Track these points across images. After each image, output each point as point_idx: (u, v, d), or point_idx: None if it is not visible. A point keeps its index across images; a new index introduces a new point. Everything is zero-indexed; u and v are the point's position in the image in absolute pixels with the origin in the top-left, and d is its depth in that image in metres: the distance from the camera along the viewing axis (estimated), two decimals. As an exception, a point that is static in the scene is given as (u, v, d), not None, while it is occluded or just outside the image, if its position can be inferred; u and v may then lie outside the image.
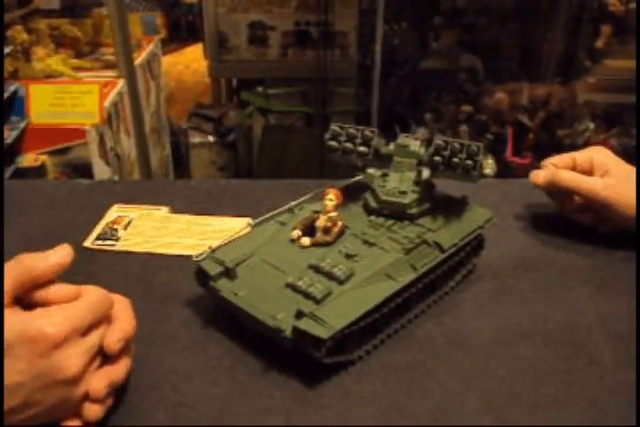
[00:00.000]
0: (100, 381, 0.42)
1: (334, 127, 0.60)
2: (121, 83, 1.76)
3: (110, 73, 1.81)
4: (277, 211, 0.59)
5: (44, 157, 1.56)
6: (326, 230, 0.55)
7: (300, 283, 0.50)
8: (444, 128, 2.24)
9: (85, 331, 0.42)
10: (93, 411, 0.43)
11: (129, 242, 0.68)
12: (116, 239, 0.68)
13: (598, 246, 0.67)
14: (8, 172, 1.47)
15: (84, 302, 0.43)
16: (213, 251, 0.53)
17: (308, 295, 0.49)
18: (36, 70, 1.72)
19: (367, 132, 0.59)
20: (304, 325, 0.46)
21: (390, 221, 0.57)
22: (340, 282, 0.50)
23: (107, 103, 1.63)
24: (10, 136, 1.50)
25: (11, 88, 1.57)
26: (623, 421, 0.47)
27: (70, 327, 0.40)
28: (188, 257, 0.55)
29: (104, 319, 0.44)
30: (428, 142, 0.60)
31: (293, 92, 2.44)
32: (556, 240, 0.69)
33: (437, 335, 0.55)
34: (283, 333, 0.47)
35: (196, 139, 2.46)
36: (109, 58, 1.90)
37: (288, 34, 2.41)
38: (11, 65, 1.69)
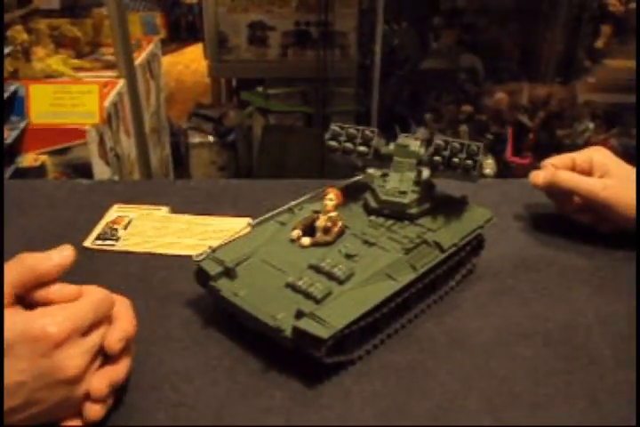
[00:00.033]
0: (101, 381, 0.42)
1: (334, 127, 0.60)
2: (121, 83, 1.76)
3: (110, 73, 1.81)
4: (277, 211, 0.59)
5: (43, 157, 1.56)
6: (326, 230, 0.55)
7: (300, 283, 0.50)
8: (444, 128, 2.24)
9: (86, 331, 0.42)
10: (94, 411, 0.43)
11: (129, 242, 0.68)
12: (116, 239, 0.68)
13: (598, 246, 0.67)
14: (8, 172, 1.47)
15: (85, 301, 0.43)
16: (213, 251, 0.54)
17: (308, 295, 0.49)
18: (36, 70, 1.72)
19: (367, 132, 0.59)
20: (304, 324, 0.46)
21: (390, 221, 0.57)
22: (340, 282, 0.50)
23: (107, 103, 1.63)
24: (10, 136, 1.50)
25: (11, 88, 1.57)
26: (623, 421, 0.47)
27: (72, 327, 0.40)
28: (188, 257, 0.55)
29: (105, 319, 0.44)
30: (428, 142, 0.60)
31: (293, 92, 2.45)
32: (556, 240, 0.69)
33: (437, 335, 0.55)
34: (283, 332, 0.47)
35: (195, 139, 2.46)
36: (109, 58, 1.90)
37: (288, 34, 2.41)
38: (11, 65, 1.70)
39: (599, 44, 2.37)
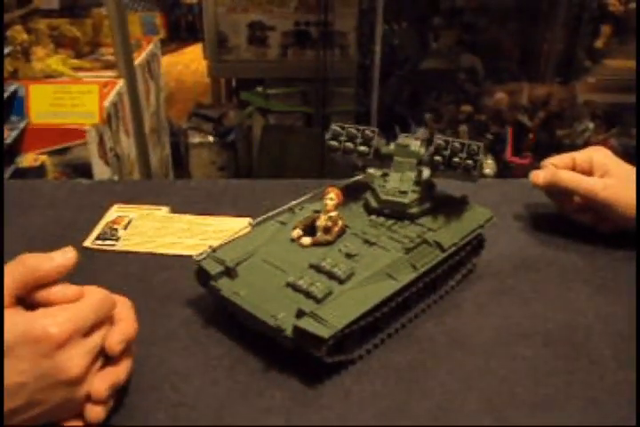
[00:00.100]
0: (102, 382, 0.42)
1: (335, 127, 0.60)
2: (120, 83, 1.76)
3: (110, 73, 1.81)
4: (277, 211, 0.59)
5: (43, 157, 1.56)
6: (327, 230, 0.55)
7: (300, 282, 0.50)
8: (444, 128, 2.24)
9: (87, 332, 0.42)
10: (95, 412, 0.43)
11: (129, 242, 0.68)
12: (116, 239, 0.68)
13: (598, 246, 0.67)
14: (8, 172, 1.47)
15: (86, 302, 0.43)
16: (214, 250, 0.53)
17: (308, 295, 0.49)
18: (36, 70, 1.72)
19: (368, 132, 0.59)
20: (305, 324, 0.46)
21: (391, 221, 0.57)
22: (341, 281, 0.50)
23: (106, 103, 1.63)
24: (10, 136, 1.50)
25: (11, 88, 1.57)
26: (623, 421, 0.47)
27: (73, 328, 0.40)
28: (189, 257, 0.55)
29: (106, 320, 0.44)
30: (428, 142, 0.60)
31: (293, 92, 2.45)
32: (556, 240, 0.69)
33: (437, 335, 0.55)
34: (283, 332, 0.47)
35: (195, 139, 2.46)
36: (109, 58, 1.90)
37: (288, 34, 2.41)
38: (10, 65, 1.70)
39: (599, 44, 2.37)
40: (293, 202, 0.60)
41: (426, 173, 0.57)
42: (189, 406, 0.47)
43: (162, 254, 0.66)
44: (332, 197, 0.55)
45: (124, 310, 0.46)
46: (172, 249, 0.67)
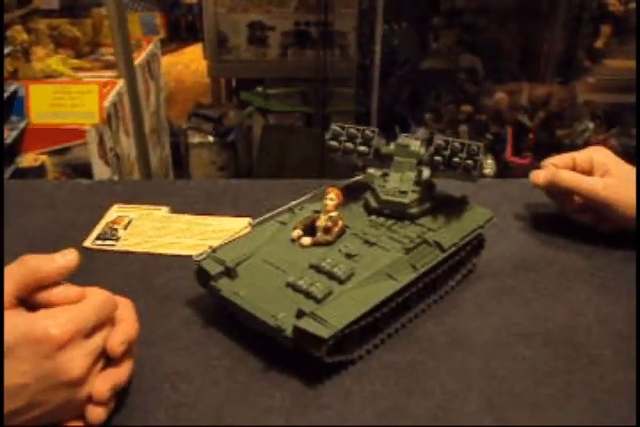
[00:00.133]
0: (104, 384, 0.42)
1: (335, 127, 0.60)
2: (120, 83, 1.76)
3: (110, 73, 1.81)
4: (277, 211, 0.59)
5: (43, 157, 1.56)
6: (327, 230, 0.55)
7: (300, 282, 0.50)
8: (444, 128, 2.24)
9: (89, 333, 0.42)
10: (97, 414, 0.43)
11: (129, 242, 0.68)
12: (116, 239, 0.68)
13: (598, 246, 0.67)
14: (8, 172, 1.47)
15: (88, 303, 0.43)
16: (214, 250, 0.53)
17: (308, 295, 0.49)
18: (36, 70, 1.72)
19: (368, 132, 0.59)
20: (305, 324, 0.46)
21: (391, 221, 0.57)
22: (341, 281, 0.50)
23: (106, 103, 1.63)
24: (10, 136, 1.50)
25: (11, 88, 1.57)
26: (623, 421, 0.47)
27: (74, 329, 0.40)
28: (188, 257, 0.55)
29: (107, 321, 0.44)
30: (428, 142, 0.60)
31: (293, 92, 2.45)
32: (556, 240, 0.69)
33: (437, 335, 0.55)
34: (283, 332, 0.47)
35: (195, 139, 2.46)
36: (109, 58, 1.90)
37: (288, 34, 2.41)
38: (10, 65, 1.70)
39: (599, 44, 2.37)
40: (293, 202, 0.60)
41: (426, 173, 0.57)
42: (189, 406, 0.47)
43: (162, 254, 0.66)
44: (332, 197, 0.55)
45: (126, 311, 0.46)
46: (171, 249, 0.67)
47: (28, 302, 0.43)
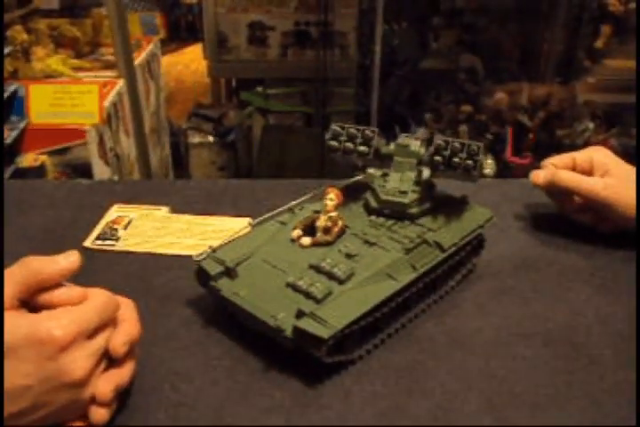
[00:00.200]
0: (107, 385, 0.42)
1: (335, 127, 0.60)
2: (120, 83, 1.76)
3: (110, 73, 1.81)
4: (277, 211, 0.59)
5: (43, 157, 1.56)
6: (326, 230, 0.55)
7: (300, 283, 0.50)
8: (444, 128, 2.24)
9: (91, 334, 0.42)
10: (100, 414, 0.43)
11: (129, 242, 0.68)
12: (116, 239, 0.68)
13: (598, 246, 0.67)
14: (8, 172, 1.47)
15: (90, 304, 0.43)
16: (214, 251, 0.53)
17: (308, 295, 0.49)
18: (36, 70, 1.72)
19: (368, 132, 0.59)
20: (304, 324, 0.46)
21: (391, 221, 0.57)
22: (341, 282, 0.50)
23: (106, 103, 1.63)
24: (10, 136, 1.50)
25: (11, 88, 1.57)
26: (623, 421, 0.47)
27: (77, 330, 0.40)
28: (188, 257, 0.55)
29: (110, 322, 0.44)
30: (428, 142, 0.60)
31: (293, 92, 2.45)
32: (556, 240, 0.69)
33: (437, 335, 0.55)
34: (283, 332, 0.47)
35: (195, 139, 2.46)
36: (109, 58, 1.90)
37: (288, 34, 2.41)
38: (10, 65, 1.70)
39: (599, 44, 2.37)
40: (293, 202, 0.60)
41: (426, 173, 0.57)
42: (189, 406, 0.47)
43: (162, 254, 0.66)
44: (332, 197, 0.55)
45: (128, 312, 0.46)
46: (171, 249, 0.67)
47: (30, 303, 0.43)
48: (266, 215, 0.58)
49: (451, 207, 0.60)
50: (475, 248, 0.61)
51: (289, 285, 0.50)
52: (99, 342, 0.42)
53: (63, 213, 0.74)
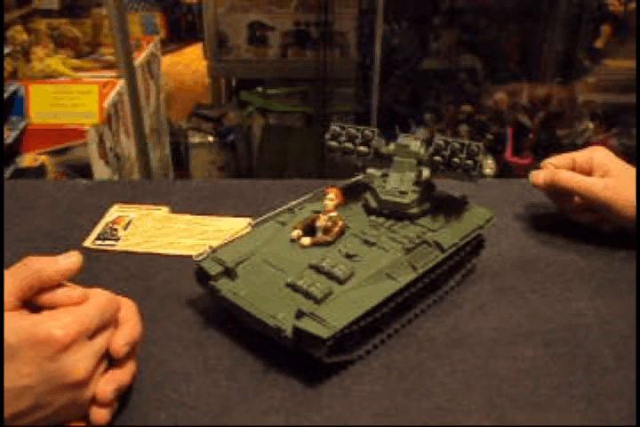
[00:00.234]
0: (107, 385, 0.42)
1: (334, 127, 0.60)
2: (120, 83, 1.76)
3: (110, 73, 1.81)
4: (277, 211, 0.59)
5: (43, 157, 1.56)
6: (326, 230, 0.55)
7: (300, 283, 0.50)
8: (444, 128, 2.24)
9: (92, 334, 0.42)
10: (101, 415, 0.43)
11: (129, 242, 0.68)
12: (116, 239, 0.68)
13: (598, 246, 0.67)
14: (8, 172, 1.47)
15: (91, 305, 0.43)
16: (214, 251, 0.53)
17: (308, 295, 0.49)
18: (36, 70, 1.71)
19: (367, 132, 0.59)
20: (304, 324, 0.46)
21: (390, 221, 0.57)
22: (341, 282, 0.50)
23: (106, 103, 1.63)
24: (9, 136, 1.50)
25: (10, 88, 1.57)
26: (623, 421, 0.47)
27: (78, 330, 0.40)
28: (188, 257, 0.55)
29: (111, 323, 0.44)
30: (428, 142, 0.60)
31: (293, 92, 2.45)
32: (556, 240, 0.69)
33: (437, 335, 0.55)
34: (283, 332, 0.47)
35: (195, 139, 2.46)
36: (109, 58, 1.90)
37: (288, 34, 2.41)
38: (10, 65, 1.69)
39: (599, 44, 2.37)
40: (293, 202, 0.60)
41: (426, 173, 0.57)
42: (189, 407, 0.47)
43: (162, 254, 0.66)
44: (332, 197, 0.55)
45: (129, 313, 0.46)
46: (171, 249, 0.67)
47: (31, 303, 0.43)
48: (266, 215, 0.58)
49: (451, 207, 0.60)
50: (475, 248, 0.61)
51: (289, 285, 0.50)
52: (99, 342, 0.42)
53: (63, 213, 0.74)
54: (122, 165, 1.80)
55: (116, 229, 0.70)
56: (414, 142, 0.59)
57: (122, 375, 0.44)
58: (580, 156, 0.69)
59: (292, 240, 0.55)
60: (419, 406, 0.47)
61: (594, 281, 0.62)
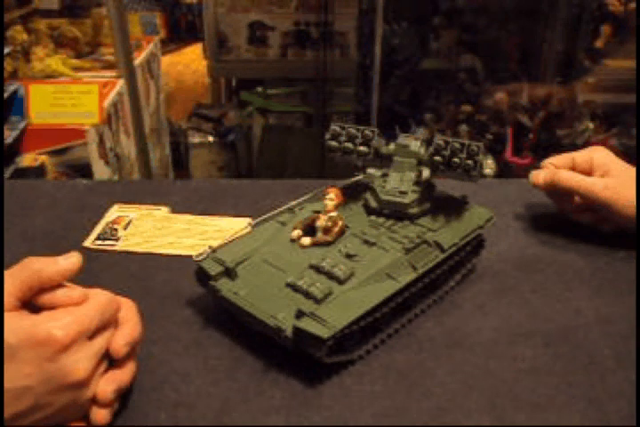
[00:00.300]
0: (108, 385, 0.42)
1: (334, 127, 0.60)
2: (120, 83, 1.76)
3: (110, 73, 1.81)
4: (277, 211, 0.59)
5: (43, 157, 1.56)
6: (326, 230, 0.55)
7: (300, 283, 0.50)
8: (444, 128, 2.24)
9: (92, 334, 0.42)
10: (101, 415, 0.43)
11: (129, 242, 0.68)
12: (116, 239, 0.68)
13: (598, 246, 0.67)
14: (8, 172, 1.47)
15: (91, 305, 0.43)
16: (214, 251, 0.53)
17: (308, 295, 0.49)
18: (36, 70, 1.72)
19: (367, 132, 0.59)
20: (304, 324, 0.46)
21: (390, 221, 0.57)
22: (341, 282, 0.50)
23: (106, 103, 1.63)
24: (9, 136, 1.50)
25: (10, 88, 1.57)
26: (623, 421, 0.47)
27: (78, 330, 0.40)
28: (188, 257, 0.55)
29: (111, 323, 0.44)
30: (428, 142, 0.60)
31: (293, 92, 2.45)
32: (556, 240, 0.69)
33: (437, 335, 0.55)
34: (283, 332, 0.47)
35: (195, 139, 2.46)
36: (109, 58, 1.90)
37: (288, 34, 2.41)
38: (10, 65, 1.69)
39: (599, 44, 2.37)
40: (293, 202, 0.60)
41: (426, 173, 0.57)
42: (189, 407, 0.47)
43: (162, 254, 0.66)
44: (332, 197, 0.55)
45: (129, 313, 0.46)
46: (171, 249, 0.67)
47: (31, 304, 0.43)
48: (266, 215, 0.58)
49: (451, 207, 0.60)
50: (475, 248, 0.61)
51: (289, 285, 0.50)
52: (100, 342, 0.42)
53: (63, 214, 0.74)
54: (122, 165, 1.80)
55: (116, 229, 0.70)
56: (414, 142, 0.59)
57: (122, 375, 0.44)
58: (580, 156, 0.69)
59: (292, 240, 0.55)
60: (419, 406, 0.47)
61: (594, 281, 0.62)
